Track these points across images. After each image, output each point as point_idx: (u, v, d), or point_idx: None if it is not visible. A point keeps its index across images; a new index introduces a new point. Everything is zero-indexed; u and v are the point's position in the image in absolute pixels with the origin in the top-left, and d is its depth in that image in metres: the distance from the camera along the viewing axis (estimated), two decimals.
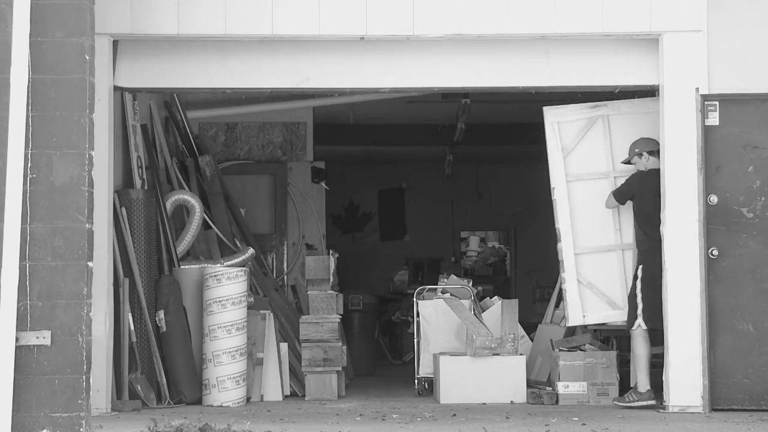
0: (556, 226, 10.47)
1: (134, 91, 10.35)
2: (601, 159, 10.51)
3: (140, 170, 10.75)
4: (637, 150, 10.18)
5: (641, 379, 9.93)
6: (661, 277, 9.78)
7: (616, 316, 10.45)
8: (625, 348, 12.71)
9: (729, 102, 9.65)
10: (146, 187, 10.76)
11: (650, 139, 10.14)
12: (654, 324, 9.87)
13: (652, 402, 9.82)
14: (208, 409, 10.09)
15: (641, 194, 10.08)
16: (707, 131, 9.65)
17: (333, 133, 15.67)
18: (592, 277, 10.45)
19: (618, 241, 10.47)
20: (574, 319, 10.50)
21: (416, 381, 11.43)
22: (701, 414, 9.42)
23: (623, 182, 10.27)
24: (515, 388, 10.44)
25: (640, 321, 9.87)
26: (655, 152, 10.06)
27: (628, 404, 9.85)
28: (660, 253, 9.80)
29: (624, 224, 10.43)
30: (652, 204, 9.92)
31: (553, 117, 10.55)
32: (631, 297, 9.98)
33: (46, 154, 7.62)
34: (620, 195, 10.24)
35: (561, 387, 10.36)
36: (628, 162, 10.27)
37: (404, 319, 16.21)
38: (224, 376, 10.38)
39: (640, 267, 9.95)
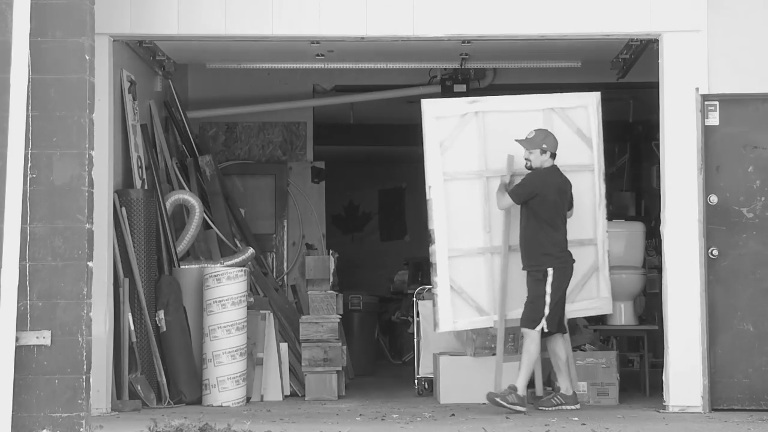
0: (430, 227, 9.87)
1: (136, 39, 10.26)
2: (475, 158, 9.97)
3: (140, 170, 10.75)
4: (545, 146, 9.70)
5: (524, 379, 9.59)
6: (568, 282, 9.66)
7: (483, 322, 10.04)
8: (626, 348, 12.77)
9: (729, 102, 9.66)
10: (146, 187, 10.76)
11: (555, 138, 9.80)
12: (552, 327, 9.65)
13: (524, 407, 9.52)
14: (208, 409, 10.09)
15: (544, 194, 9.62)
16: (707, 131, 9.65)
17: (333, 133, 15.66)
18: (462, 282, 9.93)
19: (488, 243, 9.99)
20: (445, 325, 9.93)
21: (416, 381, 11.42)
22: (701, 414, 9.41)
23: (521, 181, 9.73)
24: None
25: (543, 324, 9.55)
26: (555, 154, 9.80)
27: (555, 407, 9.60)
28: (567, 258, 9.63)
29: (494, 226, 9.99)
30: (554, 204, 9.64)
31: (433, 111, 9.93)
32: (537, 298, 9.57)
33: (46, 154, 7.62)
34: (518, 195, 9.67)
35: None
36: (530, 150, 9.68)
37: (404, 319, 16.18)
38: (224, 376, 10.38)
39: (550, 271, 9.55)
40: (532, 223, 9.67)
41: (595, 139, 10.17)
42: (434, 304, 9.96)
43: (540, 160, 9.71)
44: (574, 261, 9.72)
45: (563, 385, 9.82)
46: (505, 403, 9.44)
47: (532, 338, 9.63)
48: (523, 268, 9.78)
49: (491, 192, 9.94)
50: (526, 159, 9.76)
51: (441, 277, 9.88)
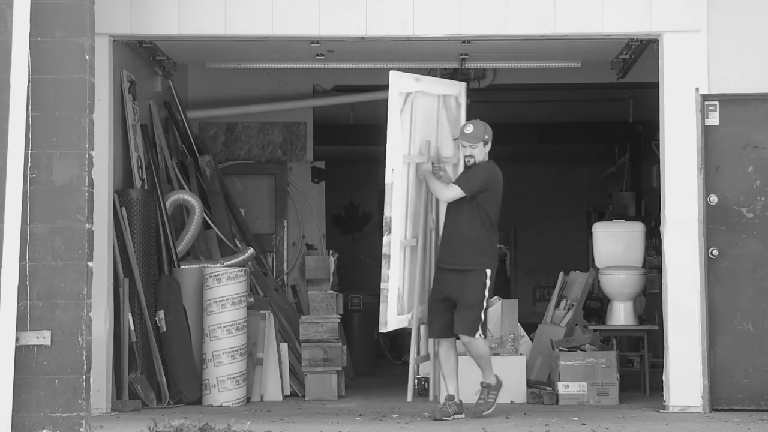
0: (387, 215, 8.82)
1: (136, 39, 10.26)
2: (406, 142, 9.12)
3: (140, 170, 10.76)
4: (487, 137, 9.08)
5: (491, 373, 9.26)
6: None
7: (405, 321, 9.27)
8: (626, 348, 12.77)
9: (729, 102, 9.66)
10: (146, 187, 10.76)
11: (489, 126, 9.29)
12: (484, 333, 9.24)
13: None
14: (208, 409, 10.09)
15: (495, 189, 9.07)
16: (707, 131, 9.65)
17: (333, 133, 15.66)
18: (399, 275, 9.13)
19: (407, 236, 9.20)
20: (392, 322, 9.02)
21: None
22: (701, 414, 9.42)
23: (470, 173, 9.08)
24: (515, 388, 10.42)
25: (480, 331, 9.07)
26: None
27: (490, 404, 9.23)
28: (497, 259, 9.26)
29: (413, 217, 9.34)
30: (497, 201, 9.12)
31: (399, 86, 9.04)
32: (476, 304, 9.00)
33: (46, 154, 7.62)
34: (470, 188, 8.96)
35: (561, 387, 10.36)
36: (474, 144, 9.02)
37: None
38: (224, 376, 10.38)
39: (488, 272, 9.03)
40: (474, 219, 9.04)
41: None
42: (382, 301, 8.90)
43: (483, 153, 9.11)
44: None
45: (454, 391, 9.28)
46: (489, 409, 9.26)
47: (476, 343, 9.14)
48: (446, 266, 9.16)
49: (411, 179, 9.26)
50: (469, 156, 9.08)
51: (394, 271, 8.90)
